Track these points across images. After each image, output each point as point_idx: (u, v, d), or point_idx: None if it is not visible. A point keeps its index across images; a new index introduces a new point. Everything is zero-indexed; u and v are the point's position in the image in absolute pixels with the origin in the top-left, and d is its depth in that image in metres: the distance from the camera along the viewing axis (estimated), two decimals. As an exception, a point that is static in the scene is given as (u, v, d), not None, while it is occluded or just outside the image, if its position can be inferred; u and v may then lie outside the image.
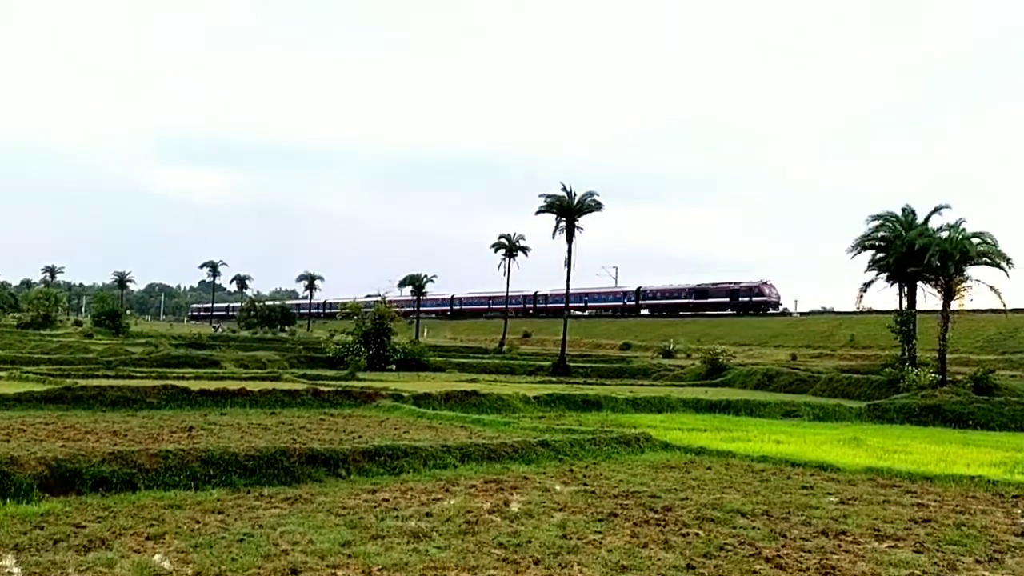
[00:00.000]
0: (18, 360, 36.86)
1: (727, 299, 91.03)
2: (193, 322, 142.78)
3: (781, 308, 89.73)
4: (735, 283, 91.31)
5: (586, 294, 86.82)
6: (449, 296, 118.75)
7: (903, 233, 41.92)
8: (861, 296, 45.03)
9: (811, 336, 72.70)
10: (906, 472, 14.46)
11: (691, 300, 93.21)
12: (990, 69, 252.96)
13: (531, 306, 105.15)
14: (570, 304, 63.48)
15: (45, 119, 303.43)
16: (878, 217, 43.96)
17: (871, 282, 44.21)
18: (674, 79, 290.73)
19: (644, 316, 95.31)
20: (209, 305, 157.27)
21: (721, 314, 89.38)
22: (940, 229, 41.09)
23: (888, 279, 43.61)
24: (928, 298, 42.06)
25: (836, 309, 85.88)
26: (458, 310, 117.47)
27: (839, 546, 9.03)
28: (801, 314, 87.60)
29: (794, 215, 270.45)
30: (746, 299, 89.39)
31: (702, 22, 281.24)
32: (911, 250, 40.34)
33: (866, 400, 32.70)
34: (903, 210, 43.45)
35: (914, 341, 42.08)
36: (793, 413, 27.63)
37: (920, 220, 42.48)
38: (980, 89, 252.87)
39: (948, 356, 40.61)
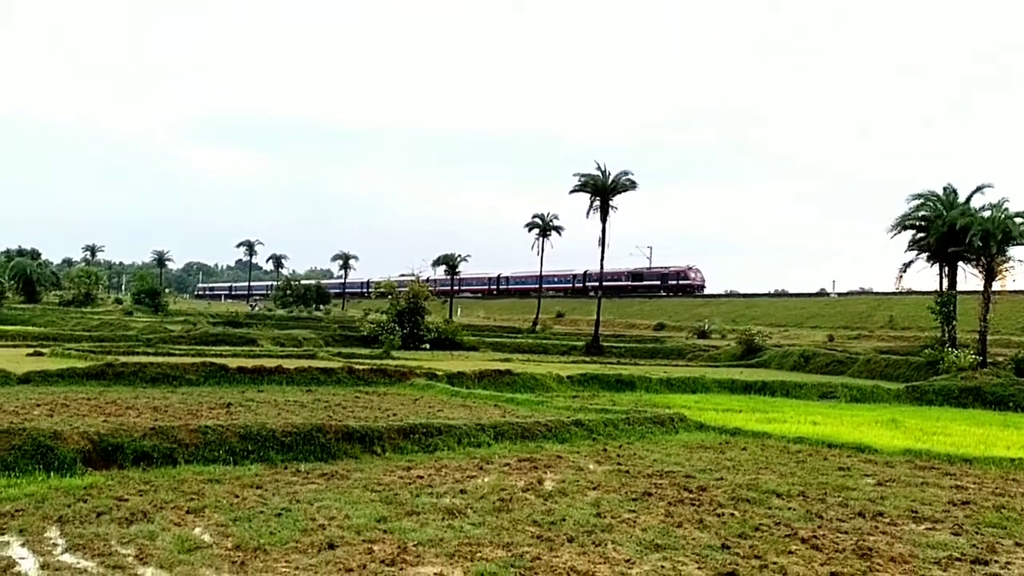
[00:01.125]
0: (60, 337, 37.56)
1: (658, 282, 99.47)
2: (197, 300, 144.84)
3: (705, 290, 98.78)
4: (665, 268, 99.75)
5: (542, 276, 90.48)
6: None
7: (944, 212, 41.18)
8: (900, 276, 44.44)
9: (849, 317, 71.82)
10: (945, 454, 14.31)
11: (628, 283, 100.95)
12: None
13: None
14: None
15: (85, 102, 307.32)
16: (919, 196, 43.25)
17: (911, 262, 43.62)
18: (715, 57, 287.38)
19: (590, 296, 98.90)
20: (213, 285, 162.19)
21: (654, 295, 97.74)
22: (982, 208, 40.30)
23: (928, 259, 42.96)
24: (969, 279, 41.40)
25: (875, 290, 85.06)
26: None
27: (876, 527, 8.96)
28: (839, 295, 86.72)
29: (833, 195, 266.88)
30: (674, 282, 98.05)
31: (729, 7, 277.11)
32: (952, 230, 39.61)
33: (905, 382, 32.32)
34: (944, 189, 42.71)
35: (954, 322, 41.43)
36: (830, 394, 27.38)
37: (962, 199, 41.73)
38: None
39: (989, 338, 39.93)
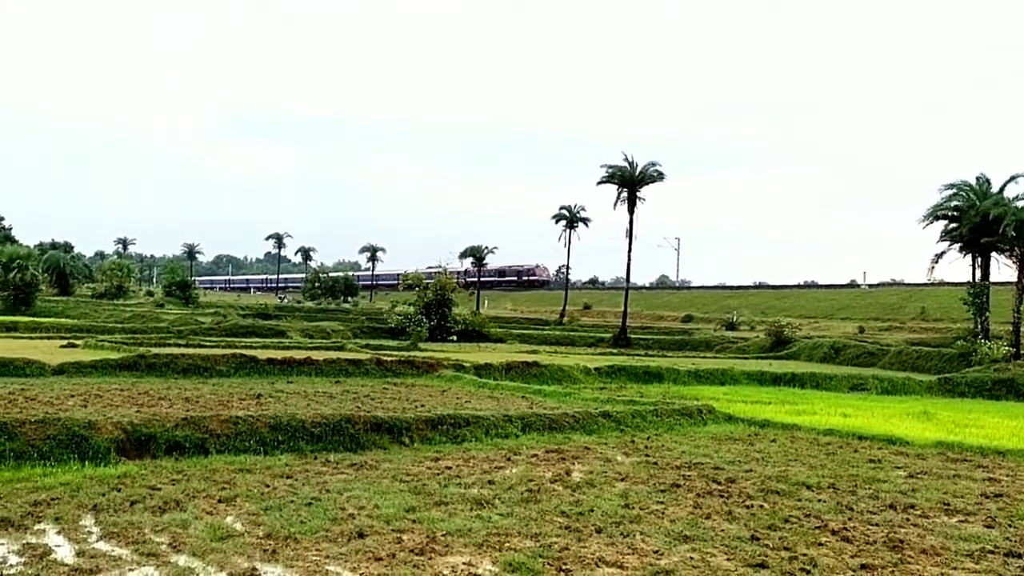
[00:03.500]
0: (93, 329, 38.06)
1: (515, 277, 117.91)
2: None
3: (551, 285, 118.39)
4: (520, 265, 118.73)
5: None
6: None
7: (977, 202, 40.63)
8: (932, 267, 44.04)
9: (880, 308, 71.09)
10: (977, 446, 14.14)
11: (495, 278, 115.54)
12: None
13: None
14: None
15: (117, 98, 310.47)
16: (951, 186, 42.71)
17: (943, 253, 43.15)
18: (738, 51, 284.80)
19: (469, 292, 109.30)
20: (219, 277, 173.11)
21: (512, 289, 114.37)
22: (1016, 198, 39.70)
23: (961, 250, 42.44)
24: (1002, 269, 40.85)
25: (906, 281, 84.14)
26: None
27: (907, 520, 8.88)
28: (870, 286, 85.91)
29: (864, 185, 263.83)
30: (526, 278, 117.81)
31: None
32: (985, 220, 39.04)
33: (937, 374, 31.94)
34: (977, 179, 42.12)
35: (987, 314, 40.85)
36: (861, 386, 27.14)
37: (995, 189, 41.12)
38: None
39: (1023, 329, 39.39)
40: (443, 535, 7.56)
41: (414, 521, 7.99)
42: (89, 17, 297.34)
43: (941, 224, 42.99)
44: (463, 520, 8.08)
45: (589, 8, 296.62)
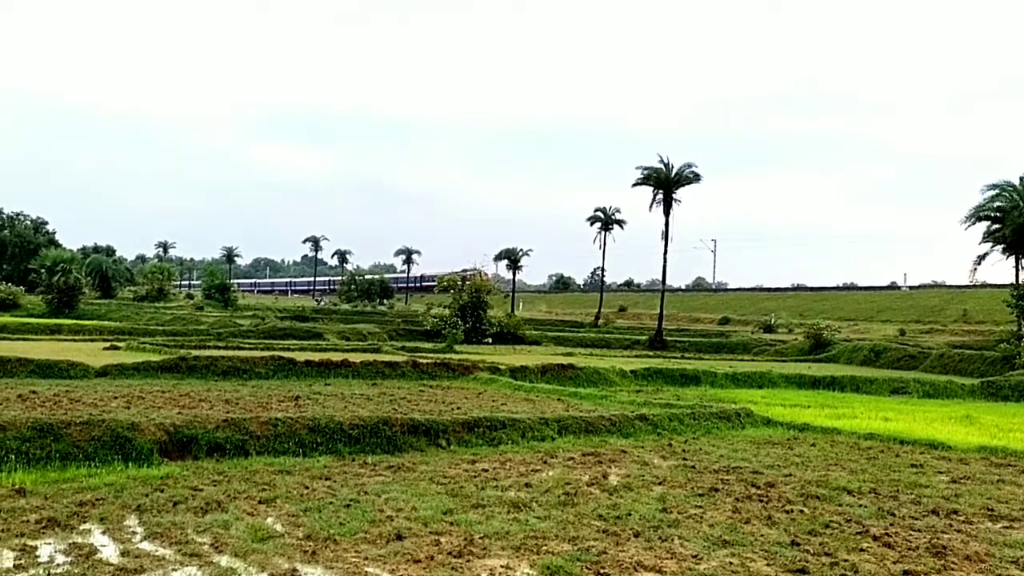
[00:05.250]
0: (135, 331, 38.68)
1: (433, 284, 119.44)
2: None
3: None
4: (432, 275, 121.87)
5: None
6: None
7: (1020, 203, 39.97)
8: (975, 269, 43.43)
9: (921, 311, 70.11)
10: (1022, 451, 13.88)
11: (415, 284, 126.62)
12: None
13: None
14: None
15: (157, 99, 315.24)
16: (994, 187, 42.04)
17: (985, 254, 42.54)
18: (767, 44, 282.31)
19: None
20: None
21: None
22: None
23: (1004, 251, 41.76)
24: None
25: (947, 283, 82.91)
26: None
27: (950, 526, 8.75)
28: (910, 288, 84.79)
29: (904, 184, 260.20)
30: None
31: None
32: (1029, 221, 38.41)
33: (979, 377, 31.40)
34: (1021, 179, 41.40)
35: (1031, 316, 40.14)
36: (902, 390, 26.78)
37: (1040, 189, 40.40)
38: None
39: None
40: (481, 538, 7.58)
41: (452, 523, 8.02)
42: (124, 17, 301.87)
43: (984, 225, 42.37)
44: (500, 523, 8.10)
45: (624, 7, 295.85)
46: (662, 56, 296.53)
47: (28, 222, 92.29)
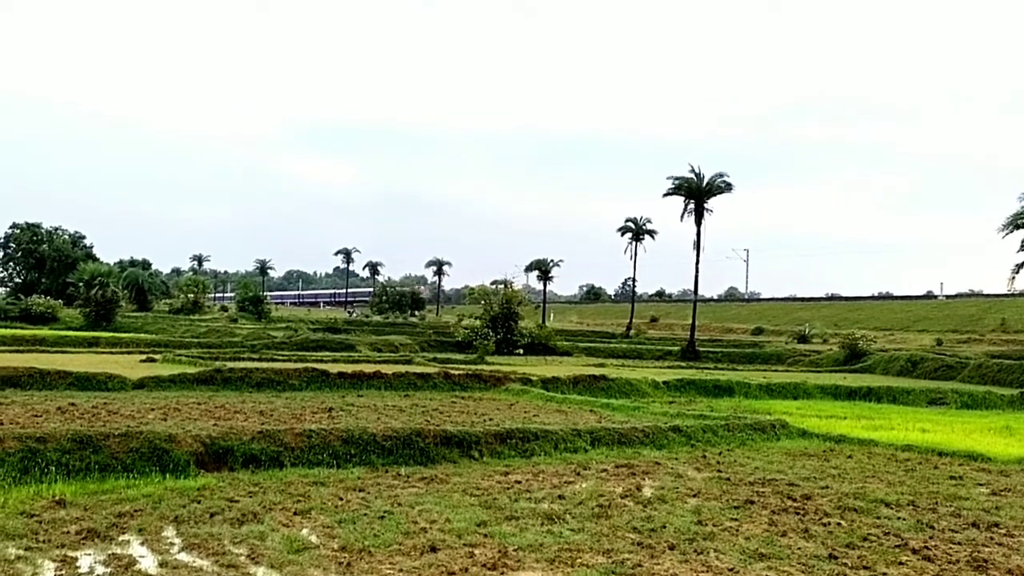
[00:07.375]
0: (171, 344, 39.14)
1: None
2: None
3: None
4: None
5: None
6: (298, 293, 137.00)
7: (1060, 210, 39.29)
8: (1013, 278, 42.78)
9: (958, 320, 69.09)
10: (1066, 464, 13.61)
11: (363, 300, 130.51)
12: None
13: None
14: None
15: (193, 115, 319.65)
16: (1032, 194, 41.33)
17: (1024, 263, 41.73)
18: (794, 55, 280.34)
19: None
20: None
21: None
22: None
23: (1043, 259, 41.04)
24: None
25: (985, 291, 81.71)
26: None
27: (991, 538, 8.60)
28: (947, 297, 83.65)
29: (941, 193, 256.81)
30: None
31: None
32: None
33: (1019, 387, 30.84)
34: (1061, 185, 40.71)
35: (1073, 325, 39.44)
36: (939, 401, 26.38)
37: (1080, 196, 39.71)
38: None
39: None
40: (515, 550, 7.57)
41: (485, 535, 8.01)
42: (152, 29, 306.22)
43: (1022, 233, 41.66)
44: (534, 535, 8.08)
45: (651, 19, 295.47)
46: (688, 66, 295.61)
47: (66, 236, 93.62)
